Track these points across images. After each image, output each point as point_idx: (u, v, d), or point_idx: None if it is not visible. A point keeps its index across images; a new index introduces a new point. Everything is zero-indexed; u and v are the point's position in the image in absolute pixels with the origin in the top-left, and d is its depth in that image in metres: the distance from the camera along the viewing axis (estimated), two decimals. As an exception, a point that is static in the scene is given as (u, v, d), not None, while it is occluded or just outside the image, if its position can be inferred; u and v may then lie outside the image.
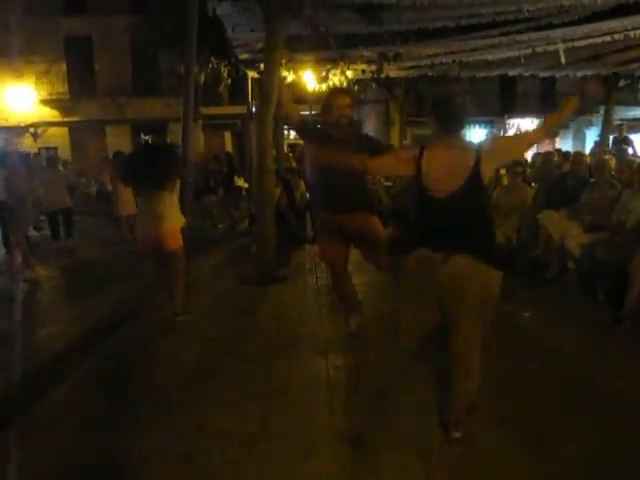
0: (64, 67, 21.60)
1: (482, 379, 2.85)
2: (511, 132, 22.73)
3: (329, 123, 4.01)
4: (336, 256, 4.34)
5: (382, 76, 11.73)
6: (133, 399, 3.63)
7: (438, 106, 2.76)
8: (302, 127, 4.13)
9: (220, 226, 11.19)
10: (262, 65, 8.85)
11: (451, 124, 2.73)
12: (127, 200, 8.68)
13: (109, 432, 3.20)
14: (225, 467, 2.79)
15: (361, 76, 11.51)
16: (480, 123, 22.98)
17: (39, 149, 21.09)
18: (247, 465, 2.79)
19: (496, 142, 2.91)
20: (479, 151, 2.69)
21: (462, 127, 2.78)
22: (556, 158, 8.25)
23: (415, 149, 2.83)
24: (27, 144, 21.48)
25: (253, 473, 2.74)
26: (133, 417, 3.36)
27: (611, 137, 13.37)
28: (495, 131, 23.01)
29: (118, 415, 3.40)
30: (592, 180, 6.33)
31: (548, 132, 2.94)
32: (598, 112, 18.82)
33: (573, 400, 3.35)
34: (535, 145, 2.89)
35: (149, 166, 4.88)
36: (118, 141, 19.95)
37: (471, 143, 2.83)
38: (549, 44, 8.56)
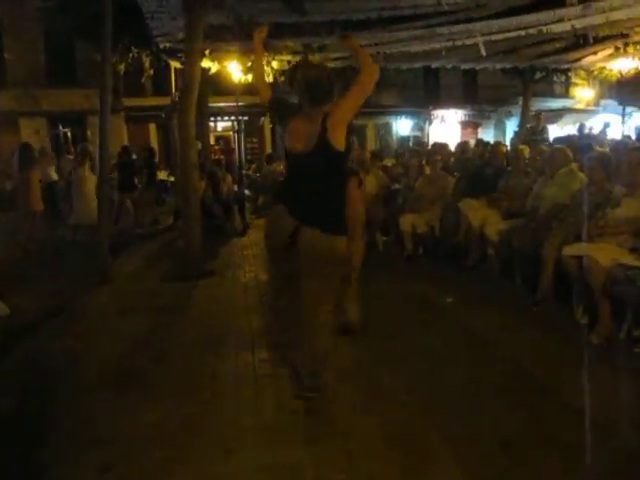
0: (-31, 55, 20.18)
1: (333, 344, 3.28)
2: (436, 123, 23.35)
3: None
4: None
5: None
6: (50, 404, 3.44)
7: (306, 85, 3.13)
8: (272, 106, 3.68)
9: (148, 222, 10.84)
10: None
11: (313, 99, 3.11)
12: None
13: (23, 441, 3.01)
14: (148, 469, 2.69)
15: (287, 67, 11.44)
16: (406, 114, 23.45)
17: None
18: (169, 466, 2.70)
19: (336, 106, 3.12)
20: (325, 118, 3.05)
21: (324, 102, 3.12)
22: (475, 147, 8.52)
23: None
24: None
25: (176, 473, 2.66)
26: (48, 424, 3.18)
27: (528, 126, 13.90)
28: (420, 122, 23.57)
29: (32, 423, 3.22)
30: (509, 169, 6.57)
31: (367, 72, 3.11)
32: (517, 103, 19.60)
33: (491, 377, 3.47)
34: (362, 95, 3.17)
35: None
36: (33, 134, 18.90)
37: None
38: (468, 37, 8.82)
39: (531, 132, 11.90)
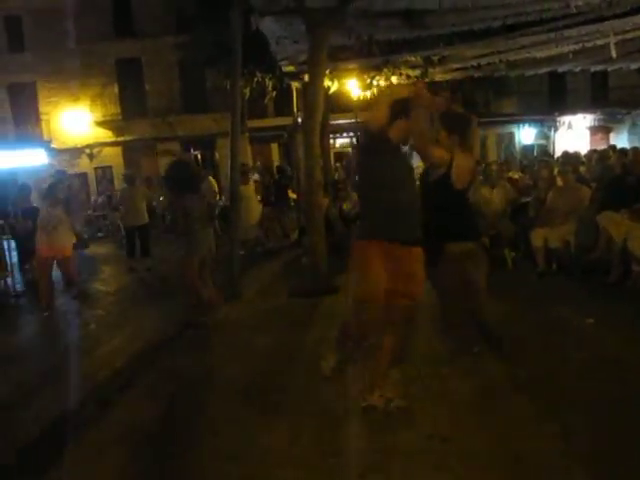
0: (116, 89, 22.42)
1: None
2: (562, 130, 22.11)
3: None
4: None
5: (427, 80, 11.60)
6: (186, 417, 3.66)
7: None
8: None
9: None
10: (306, 76, 8.92)
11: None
12: None
13: (164, 452, 3.22)
14: None
15: (406, 81, 11.41)
16: (529, 122, 22.44)
17: (95, 169, 22.05)
18: None
19: None
20: None
21: None
22: (611, 155, 7.94)
23: None
24: (83, 164, 22.46)
25: None
26: (185, 436, 3.38)
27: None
28: (545, 130, 22.43)
29: (171, 435, 3.43)
30: (654, 177, 6.05)
31: None
32: (655, 104, 18.07)
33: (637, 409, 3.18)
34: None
35: None
36: (169, 157, 20.51)
37: None
38: (599, 38, 8.28)
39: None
